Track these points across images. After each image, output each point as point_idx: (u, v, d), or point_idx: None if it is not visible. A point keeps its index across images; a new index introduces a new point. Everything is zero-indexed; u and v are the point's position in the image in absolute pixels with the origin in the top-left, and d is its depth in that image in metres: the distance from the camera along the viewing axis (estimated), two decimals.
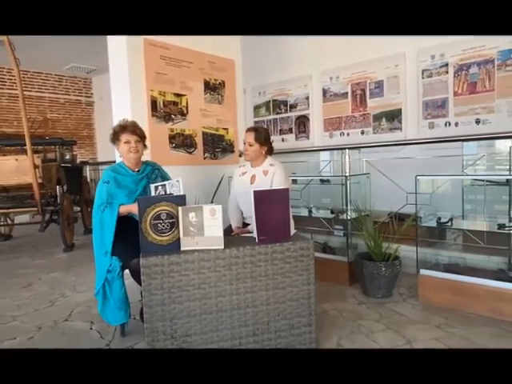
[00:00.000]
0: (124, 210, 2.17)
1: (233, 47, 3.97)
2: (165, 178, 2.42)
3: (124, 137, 2.24)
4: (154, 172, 2.39)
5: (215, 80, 3.82)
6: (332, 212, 3.47)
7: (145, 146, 2.36)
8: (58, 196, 4.64)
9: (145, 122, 3.18)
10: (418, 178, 2.67)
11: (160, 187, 2.18)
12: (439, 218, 2.84)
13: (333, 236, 3.49)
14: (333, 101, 5.03)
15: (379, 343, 2.08)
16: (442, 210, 2.90)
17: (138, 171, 2.33)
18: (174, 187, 2.16)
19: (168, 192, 2.15)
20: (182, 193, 2.11)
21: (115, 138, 2.28)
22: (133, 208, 2.12)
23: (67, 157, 5.63)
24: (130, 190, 2.24)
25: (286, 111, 5.60)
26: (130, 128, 2.26)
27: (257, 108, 5.96)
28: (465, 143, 3.24)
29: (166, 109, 3.40)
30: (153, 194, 2.17)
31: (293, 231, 2.15)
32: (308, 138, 5.38)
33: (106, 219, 2.16)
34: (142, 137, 2.31)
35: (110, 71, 3.32)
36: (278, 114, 5.71)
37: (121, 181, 2.25)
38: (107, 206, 2.17)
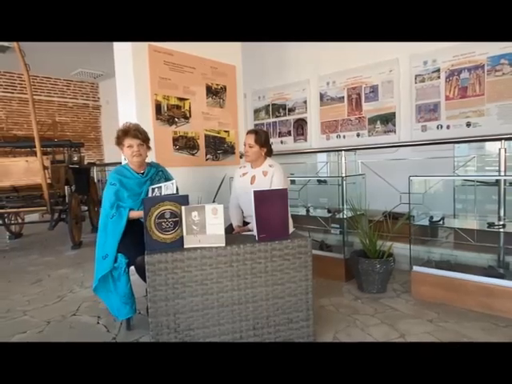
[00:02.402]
0: (135, 215, 2.17)
1: (234, 53, 3.96)
2: (168, 179, 2.41)
3: (127, 141, 2.22)
4: (157, 174, 2.38)
5: (217, 85, 3.82)
6: (329, 211, 3.46)
7: (148, 148, 2.34)
8: (67, 196, 4.64)
9: (149, 125, 3.18)
10: (411, 178, 2.67)
11: (156, 189, 2.20)
12: (431, 217, 2.84)
13: (329, 234, 3.49)
14: (330, 105, 5.03)
15: (374, 337, 2.08)
16: (434, 209, 2.90)
17: (143, 173, 2.32)
18: (169, 189, 2.18)
19: (163, 193, 2.16)
20: (174, 193, 2.14)
21: (119, 142, 2.26)
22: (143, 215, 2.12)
23: (75, 158, 5.62)
24: (134, 192, 2.23)
25: (284, 115, 5.60)
26: (132, 132, 2.22)
27: (257, 111, 5.96)
28: (456, 145, 3.24)
29: (169, 112, 3.40)
30: (150, 195, 2.21)
31: (291, 229, 2.15)
32: (306, 140, 5.38)
33: (113, 226, 2.14)
34: (144, 140, 2.27)
35: (116, 76, 3.32)
36: (277, 117, 5.71)
37: (126, 183, 2.24)
38: (115, 214, 2.15)
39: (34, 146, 4.22)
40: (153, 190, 2.23)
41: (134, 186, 2.25)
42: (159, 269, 1.73)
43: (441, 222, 2.82)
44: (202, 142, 3.68)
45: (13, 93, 7.17)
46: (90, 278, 3.30)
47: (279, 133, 5.68)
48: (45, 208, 4.41)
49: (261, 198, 1.88)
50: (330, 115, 5.04)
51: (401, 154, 3.93)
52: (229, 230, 2.45)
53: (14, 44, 3.98)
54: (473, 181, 2.97)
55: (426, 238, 3.15)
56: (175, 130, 3.45)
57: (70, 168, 5.20)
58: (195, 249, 1.78)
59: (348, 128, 4.87)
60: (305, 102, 5.31)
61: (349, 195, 3.10)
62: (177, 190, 2.25)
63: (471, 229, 2.77)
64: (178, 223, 1.81)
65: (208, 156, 3.75)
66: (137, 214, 2.16)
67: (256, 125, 5.88)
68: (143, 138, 2.27)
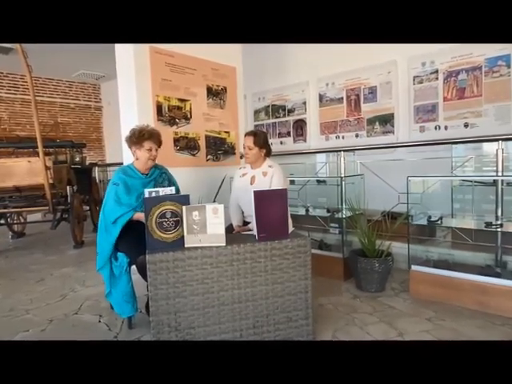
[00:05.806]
0: (137, 217, 2.19)
1: (234, 55, 3.96)
2: (171, 181, 2.45)
3: (148, 144, 2.26)
4: (161, 176, 2.41)
5: (217, 86, 3.81)
6: (328, 211, 3.46)
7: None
8: (69, 196, 4.64)
9: (151, 125, 3.18)
10: (409, 178, 2.67)
11: (154, 193, 2.18)
12: (429, 217, 2.84)
13: (329, 233, 3.49)
14: (329, 105, 5.03)
15: (372, 335, 2.08)
16: (432, 209, 2.90)
17: (147, 174, 2.35)
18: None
19: None
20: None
21: (138, 141, 2.26)
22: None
23: (77, 159, 5.63)
24: (138, 192, 2.25)
25: (284, 115, 5.60)
26: (156, 138, 2.31)
27: (257, 112, 5.96)
28: (454, 146, 3.23)
29: (170, 113, 3.40)
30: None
31: (291, 229, 2.14)
32: (305, 140, 5.38)
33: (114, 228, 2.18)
34: (159, 147, 2.36)
35: (118, 77, 3.32)
36: (276, 118, 5.71)
37: (130, 183, 2.26)
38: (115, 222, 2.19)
39: (37, 147, 4.22)
40: (150, 193, 2.20)
41: (138, 185, 2.28)
42: (160, 268, 1.73)
43: (439, 222, 2.82)
44: (202, 143, 3.68)
45: (15, 94, 7.18)
46: (91, 277, 3.31)
47: (279, 133, 5.68)
48: (47, 208, 4.41)
49: (261, 197, 1.88)
50: (329, 116, 5.04)
51: (399, 154, 3.93)
52: (229, 229, 2.45)
53: (17, 46, 3.98)
54: (470, 181, 2.96)
55: (424, 238, 3.15)
56: (176, 131, 3.45)
57: (71, 168, 5.21)
58: (196, 248, 1.78)
59: (347, 129, 4.86)
60: (304, 103, 5.31)
61: (348, 195, 3.10)
62: (177, 192, 2.27)
63: (469, 228, 2.77)
64: (178, 223, 1.81)
65: (208, 156, 3.75)
66: (140, 215, 2.17)
67: (256, 125, 5.88)
68: (160, 145, 2.36)
